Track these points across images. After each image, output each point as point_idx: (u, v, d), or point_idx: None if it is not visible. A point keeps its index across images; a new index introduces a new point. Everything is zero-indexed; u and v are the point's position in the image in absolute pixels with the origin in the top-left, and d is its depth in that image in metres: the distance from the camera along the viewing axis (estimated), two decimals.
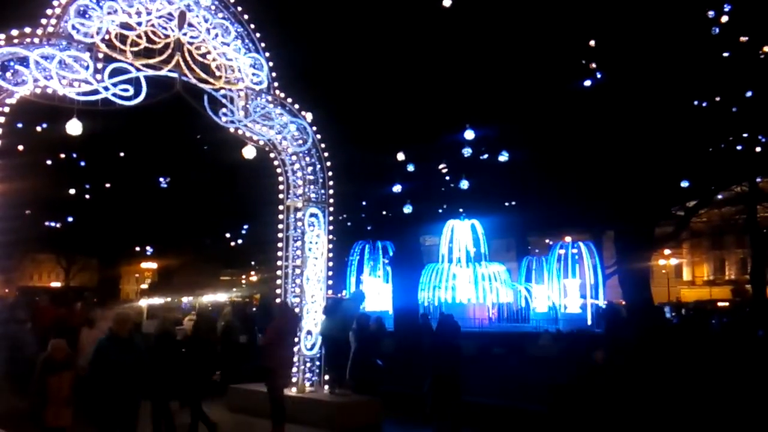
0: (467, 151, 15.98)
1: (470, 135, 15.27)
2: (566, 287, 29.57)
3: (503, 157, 16.54)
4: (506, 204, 28.04)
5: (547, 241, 39.75)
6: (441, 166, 18.20)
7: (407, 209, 16.53)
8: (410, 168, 16.32)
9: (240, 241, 37.59)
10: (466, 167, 16.90)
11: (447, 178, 18.86)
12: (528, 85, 16.55)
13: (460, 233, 30.97)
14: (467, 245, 30.86)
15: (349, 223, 21.82)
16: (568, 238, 32.73)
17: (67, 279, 52.69)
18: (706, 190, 21.99)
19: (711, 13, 14.52)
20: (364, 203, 19.81)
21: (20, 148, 17.09)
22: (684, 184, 17.75)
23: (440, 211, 25.63)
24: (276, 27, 10.65)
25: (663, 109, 16.45)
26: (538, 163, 19.71)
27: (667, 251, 41.34)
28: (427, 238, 36.63)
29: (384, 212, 19.31)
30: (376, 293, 28.33)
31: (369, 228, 24.89)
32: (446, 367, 8.43)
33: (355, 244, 29.97)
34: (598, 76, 16.32)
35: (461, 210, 28.47)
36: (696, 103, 16.71)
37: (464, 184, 16.74)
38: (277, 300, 10.20)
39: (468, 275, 30.40)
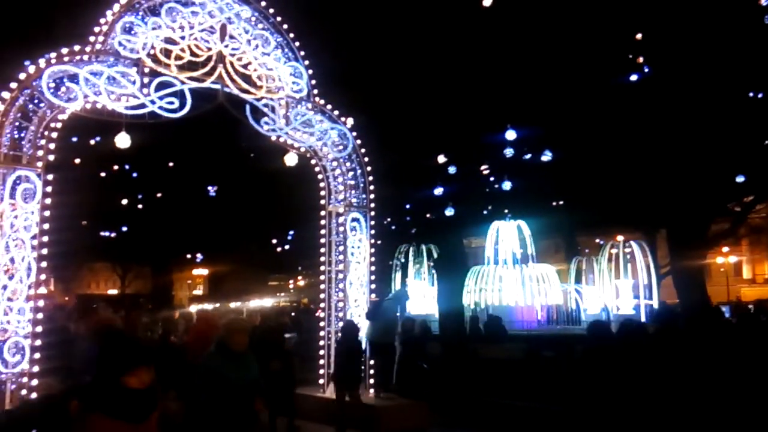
0: (509, 152, 15.75)
1: (512, 135, 15.04)
2: (618, 288, 28.70)
3: (546, 157, 16.23)
4: (553, 203, 27.49)
5: (597, 240, 38.75)
6: (483, 168, 18.00)
7: (449, 212, 16.44)
8: (452, 170, 16.19)
9: (286, 247, 38.11)
10: (509, 168, 16.66)
11: (491, 179, 18.62)
12: (572, 82, 16.20)
13: (506, 234, 30.49)
14: (513, 246, 30.35)
15: (393, 227, 21.81)
16: (619, 237, 31.80)
17: (123, 287, 54.49)
18: (763, 185, 21.02)
19: (764, 1, 13.91)
20: (407, 206, 19.76)
21: (76, 161, 17.81)
22: (739, 179, 17.02)
23: (485, 212, 25.31)
24: (314, 34, 10.77)
25: (715, 101, 15.85)
26: (585, 162, 19.24)
27: (725, 249, 39.63)
28: (472, 240, 36.27)
29: (427, 215, 19.22)
30: (422, 296, 28.19)
31: (413, 231, 24.79)
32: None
33: (400, 247, 29.93)
34: (646, 70, 15.83)
35: (506, 211, 28.04)
36: (751, 94, 16.04)
37: (507, 185, 16.52)
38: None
39: (515, 277, 29.89)
